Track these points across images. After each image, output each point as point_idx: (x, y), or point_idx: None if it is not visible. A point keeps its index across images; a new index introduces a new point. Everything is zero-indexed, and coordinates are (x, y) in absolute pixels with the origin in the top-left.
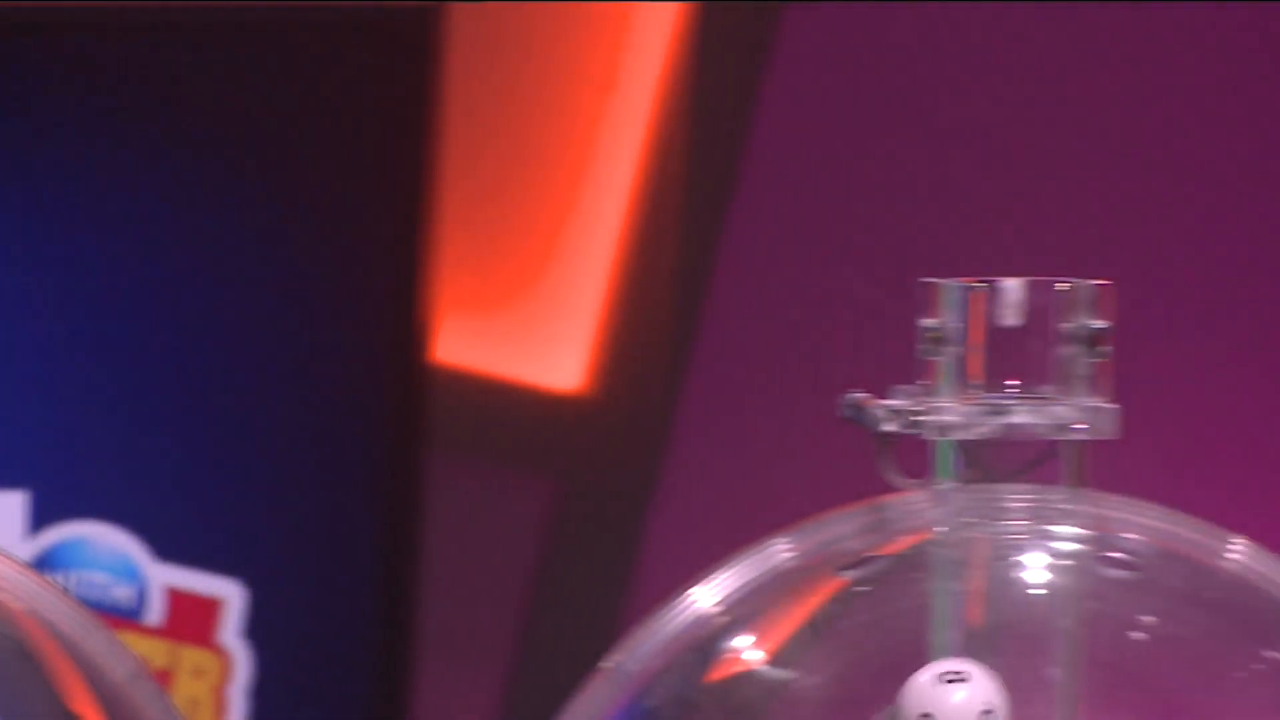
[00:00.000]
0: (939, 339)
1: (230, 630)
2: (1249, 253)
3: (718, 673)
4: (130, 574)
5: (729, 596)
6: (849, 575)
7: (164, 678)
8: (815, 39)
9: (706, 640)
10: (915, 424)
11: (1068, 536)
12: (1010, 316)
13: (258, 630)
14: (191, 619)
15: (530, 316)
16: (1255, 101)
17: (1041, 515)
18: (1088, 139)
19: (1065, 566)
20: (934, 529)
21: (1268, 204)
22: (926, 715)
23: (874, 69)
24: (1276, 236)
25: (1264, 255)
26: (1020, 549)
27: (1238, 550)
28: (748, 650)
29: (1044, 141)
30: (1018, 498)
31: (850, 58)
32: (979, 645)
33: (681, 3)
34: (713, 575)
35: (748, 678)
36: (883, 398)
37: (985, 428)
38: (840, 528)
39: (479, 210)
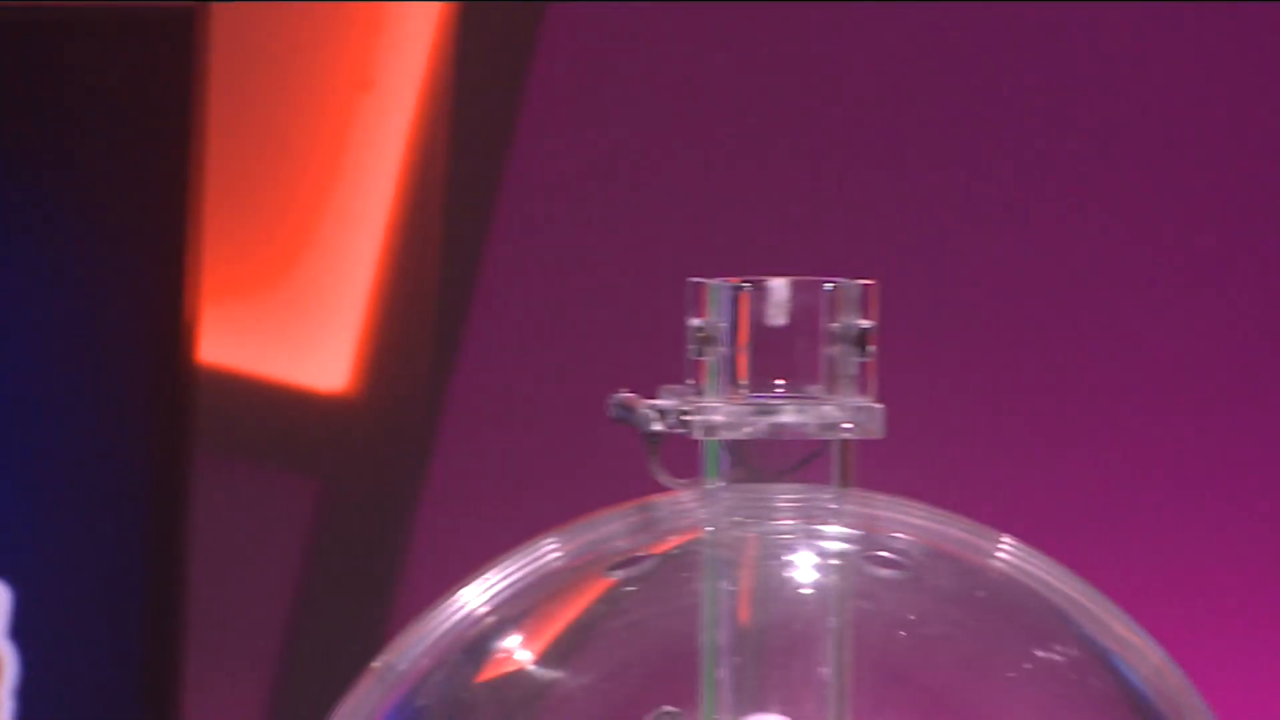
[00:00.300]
0: (707, 339)
1: None
2: (1013, 251)
3: (487, 672)
4: None
5: (498, 596)
6: (618, 575)
7: None
8: (579, 38)
9: (475, 640)
10: (683, 424)
11: (836, 536)
12: (777, 316)
13: (24, 631)
14: None
15: (295, 316)
16: (1018, 98)
17: (810, 515)
18: (851, 137)
19: (834, 566)
20: (702, 529)
21: (1031, 201)
22: None
23: (638, 68)
24: (1040, 233)
25: (1027, 253)
26: (789, 548)
27: (1006, 549)
28: (517, 650)
29: (808, 140)
30: (786, 497)
31: (615, 56)
32: (748, 645)
33: (444, 2)
34: (481, 575)
35: (517, 677)
36: (651, 398)
37: (753, 427)
38: (609, 527)
39: (243, 212)
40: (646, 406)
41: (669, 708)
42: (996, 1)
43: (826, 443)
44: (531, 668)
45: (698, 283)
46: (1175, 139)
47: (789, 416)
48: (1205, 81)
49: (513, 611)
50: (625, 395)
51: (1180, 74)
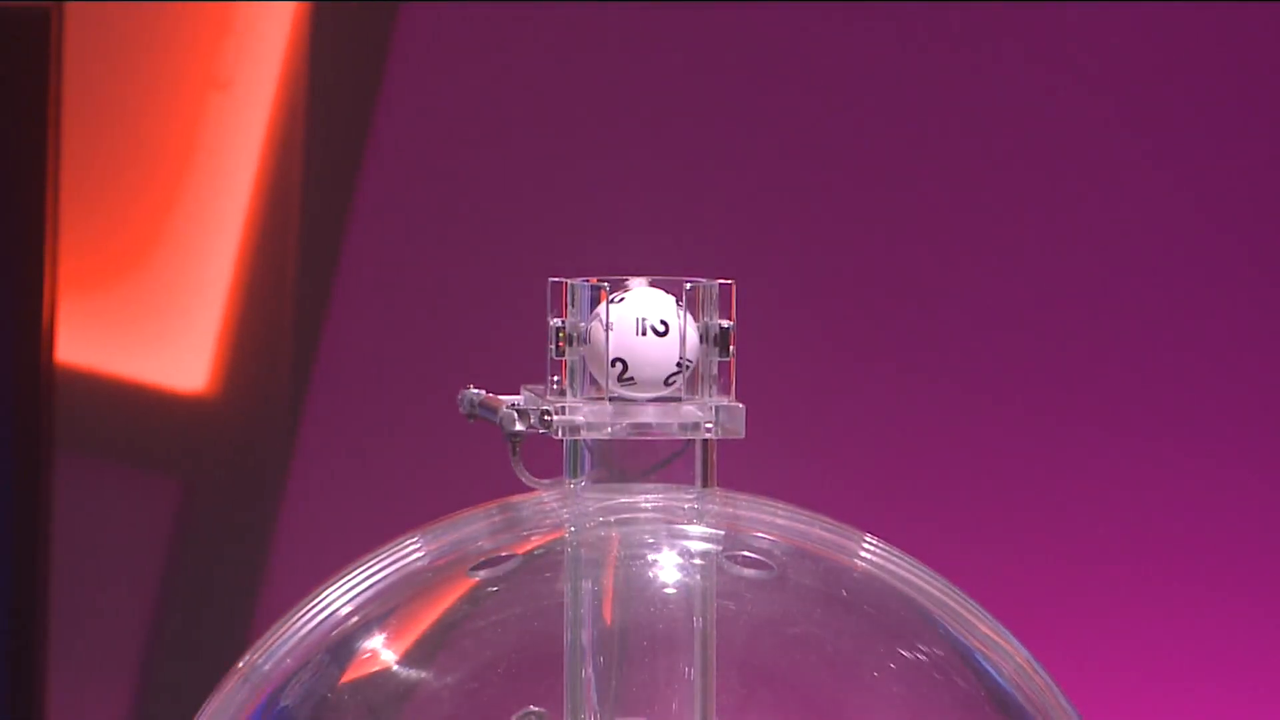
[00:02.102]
0: (569, 338)
1: None
2: (874, 252)
3: (352, 673)
4: None
5: (361, 596)
6: (480, 575)
7: None
8: (432, 37)
9: (340, 640)
10: (545, 424)
11: (699, 536)
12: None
13: None
14: None
15: (153, 317)
16: (870, 101)
17: (673, 515)
18: (713, 139)
19: (697, 566)
20: (565, 528)
21: (888, 201)
22: None
23: (492, 67)
24: (901, 232)
25: (889, 253)
26: (652, 548)
27: (870, 549)
28: (381, 650)
29: (667, 140)
30: (649, 497)
31: (469, 56)
32: (611, 645)
33: (298, 1)
34: (344, 575)
35: (381, 677)
36: (513, 395)
37: (615, 427)
38: (471, 527)
39: (100, 213)
40: (508, 406)
41: (534, 708)
42: (848, 2)
43: (689, 442)
44: (396, 668)
45: (558, 282)
46: (1030, 135)
47: (651, 417)
48: (1054, 78)
49: (376, 611)
50: (487, 395)
51: (1031, 71)
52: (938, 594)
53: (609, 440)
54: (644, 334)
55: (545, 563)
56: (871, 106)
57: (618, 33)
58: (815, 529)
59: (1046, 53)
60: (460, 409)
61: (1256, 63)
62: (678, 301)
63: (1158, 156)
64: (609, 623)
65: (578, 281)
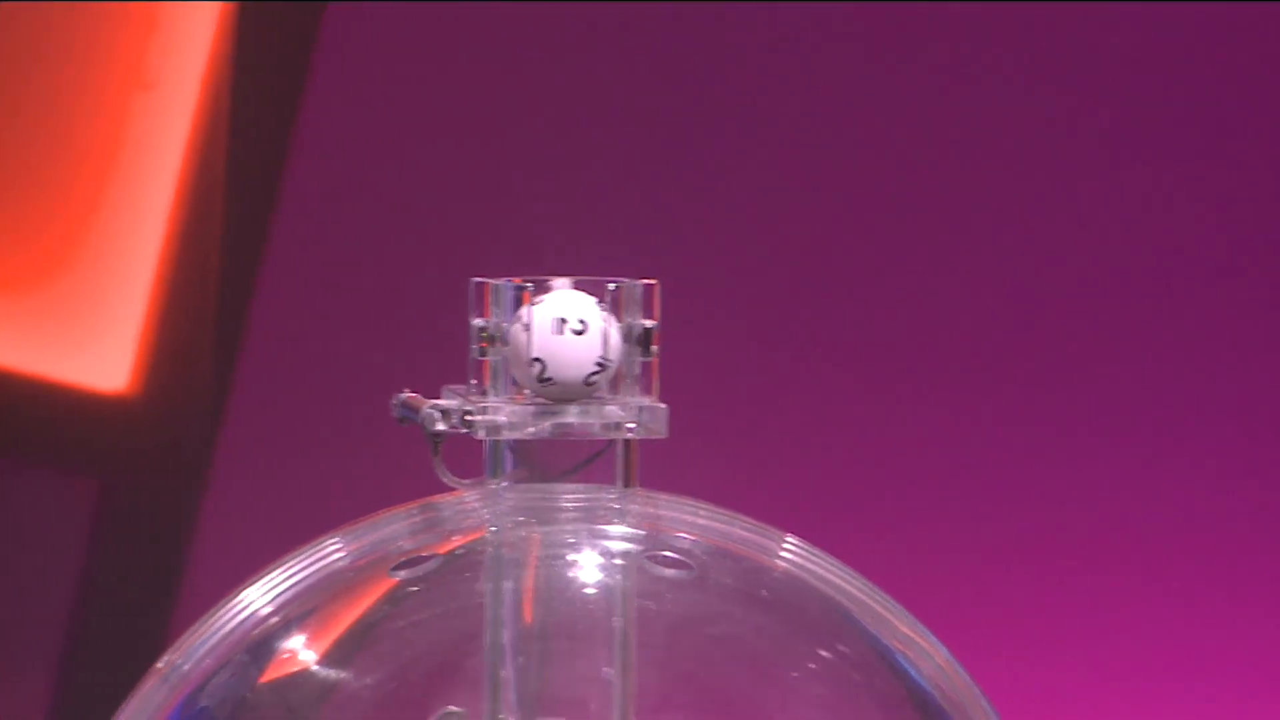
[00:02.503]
0: (491, 339)
1: None
2: (796, 251)
3: (271, 673)
4: None
5: (281, 596)
6: (401, 575)
7: None
8: (358, 37)
9: (259, 640)
10: (467, 424)
11: (620, 536)
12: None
13: None
14: None
15: (74, 316)
16: (793, 98)
17: (594, 515)
18: (633, 137)
19: (618, 566)
20: (486, 528)
21: (813, 201)
22: None
23: (418, 68)
24: (823, 231)
25: (810, 252)
26: (573, 548)
27: (790, 549)
28: (301, 650)
29: (592, 139)
30: (570, 497)
31: (394, 56)
32: (532, 645)
33: (223, 1)
34: (265, 575)
35: (301, 678)
36: (435, 397)
37: (536, 428)
38: (392, 527)
39: (21, 211)
40: (430, 406)
41: (453, 708)
42: (762, 2)
43: (610, 442)
44: (315, 668)
45: (481, 282)
46: (951, 130)
47: (573, 417)
48: (996, 69)
49: (296, 611)
50: (408, 395)
51: (962, 64)
52: (858, 594)
53: (531, 440)
54: (563, 334)
55: (466, 563)
56: (794, 104)
57: (541, 33)
58: (736, 529)
59: (979, 44)
60: (393, 413)
61: (1234, 64)
62: (600, 302)
63: (1092, 151)
64: (529, 623)
65: (500, 282)
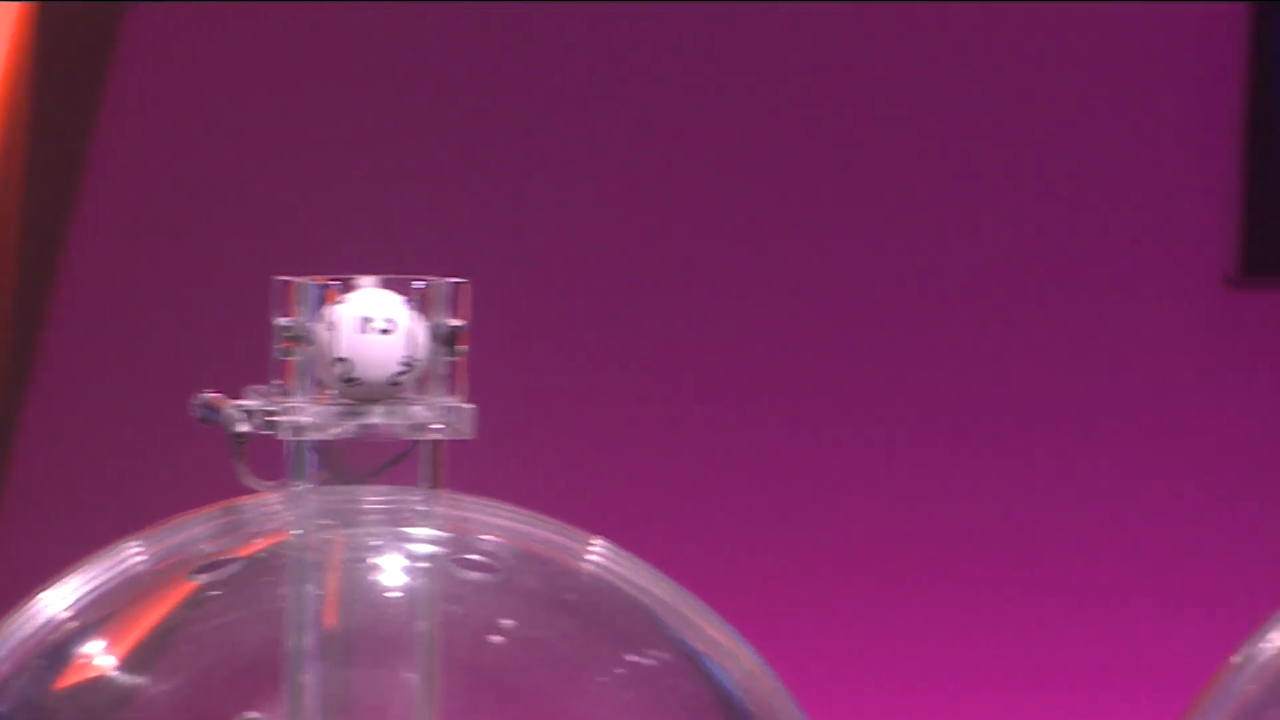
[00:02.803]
0: (295, 338)
1: None
2: (604, 251)
3: (69, 678)
4: None
5: (80, 601)
6: (202, 579)
7: None
8: (158, 38)
9: (57, 645)
10: (270, 425)
11: (425, 539)
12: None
13: None
14: None
15: None
16: (601, 100)
17: (398, 517)
18: (453, 141)
19: (423, 569)
20: (289, 531)
21: (622, 200)
22: None
23: (221, 68)
24: (628, 234)
25: (617, 253)
26: (377, 551)
27: (597, 552)
28: (99, 655)
29: (398, 137)
30: (374, 499)
31: (195, 56)
32: (334, 649)
33: (21, 2)
34: (63, 579)
35: (99, 683)
36: (238, 398)
37: (341, 428)
38: (193, 530)
39: None
40: (231, 407)
41: (253, 714)
42: (568, 2)
43: (416, 443)
44: (114, 673)
45: (285, 281)
46: (742, 123)
47: (378, 417)
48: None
49: (95, 616)
50: (210, 396)
51: (774, 65)
52: (666, 597)
53: (335, 441)
54: (368, 333)
55: (268, 566)
56: (600, 105)
57: (345, 33)
58: (542, 531)
59: (787, 46)
60: (195, 414)
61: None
62: (407, 300)
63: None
64: (332, 627)
65: (304, 280)
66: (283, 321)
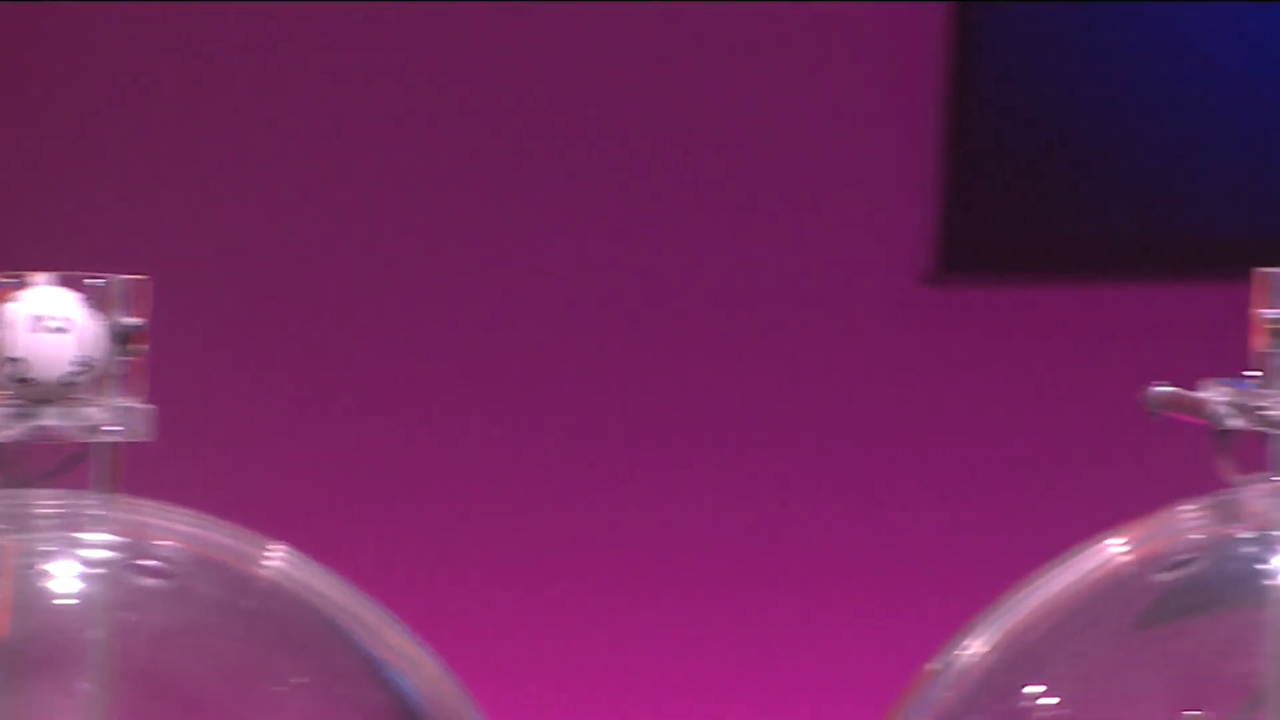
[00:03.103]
0: None
1: None
2: (290, 252)
3: None
4: None
5: None
6: None
7: None
8: None
9: None
10: None
11: (100, 544)
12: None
13: None
14: None
15: None
16: (284, 99)
17: (72, 522)
18: (123, 134)
19: (97, 575)
20: None
21: (319, 198)
22: None
23: None
24: (321, 234)
25: (297, 253)
26: (48, 557)
27: (277, 558)
28: None
29: (76, 132)
30: (46, 504)
31: None
32: (4, 658)
33: None
34: None
35: None
36: None
37: (12, 430)
38: None
39: None
40: None
41: None
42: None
43: (88, 445)
44: None
45: None
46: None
47: (51, 419)
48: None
49: None
50: None
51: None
52: (348, 604)
53: (6, 443)
54: (41, 332)
55: None
56: (281, 104)
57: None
58: (222, 537)
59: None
60: None
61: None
62: (83, 298)
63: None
64: (2, 635)
65: None
66: None
